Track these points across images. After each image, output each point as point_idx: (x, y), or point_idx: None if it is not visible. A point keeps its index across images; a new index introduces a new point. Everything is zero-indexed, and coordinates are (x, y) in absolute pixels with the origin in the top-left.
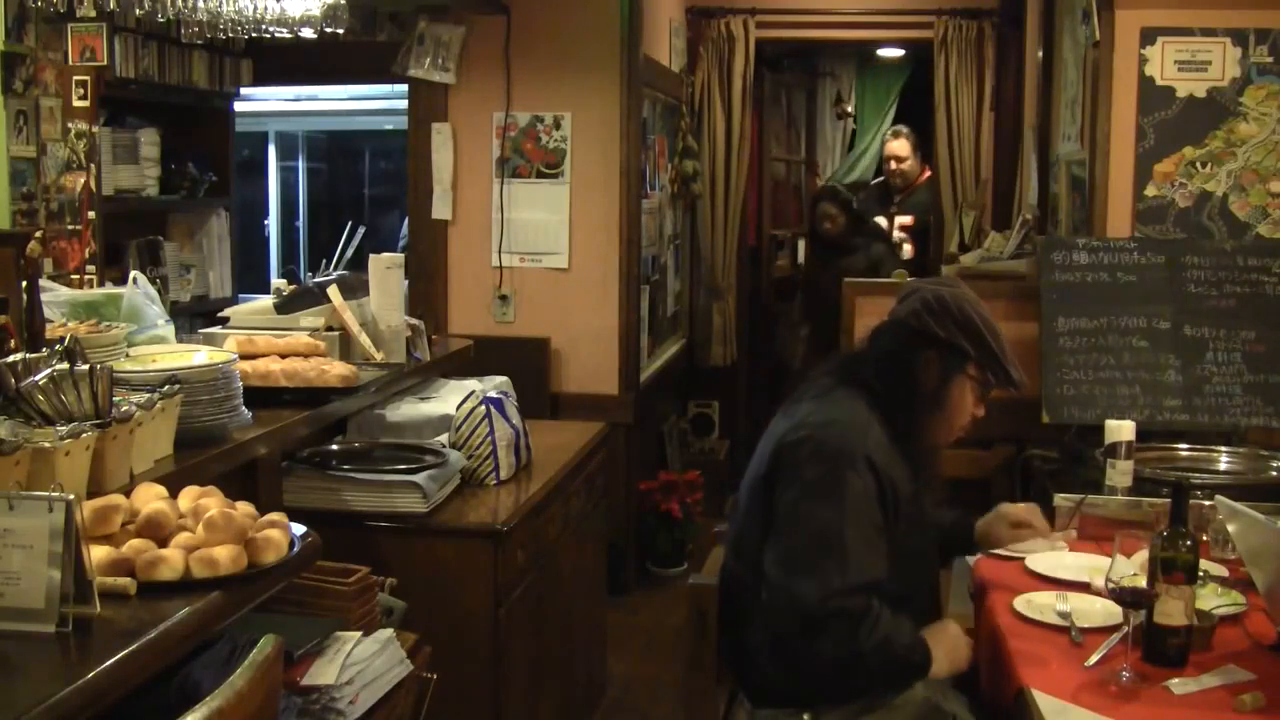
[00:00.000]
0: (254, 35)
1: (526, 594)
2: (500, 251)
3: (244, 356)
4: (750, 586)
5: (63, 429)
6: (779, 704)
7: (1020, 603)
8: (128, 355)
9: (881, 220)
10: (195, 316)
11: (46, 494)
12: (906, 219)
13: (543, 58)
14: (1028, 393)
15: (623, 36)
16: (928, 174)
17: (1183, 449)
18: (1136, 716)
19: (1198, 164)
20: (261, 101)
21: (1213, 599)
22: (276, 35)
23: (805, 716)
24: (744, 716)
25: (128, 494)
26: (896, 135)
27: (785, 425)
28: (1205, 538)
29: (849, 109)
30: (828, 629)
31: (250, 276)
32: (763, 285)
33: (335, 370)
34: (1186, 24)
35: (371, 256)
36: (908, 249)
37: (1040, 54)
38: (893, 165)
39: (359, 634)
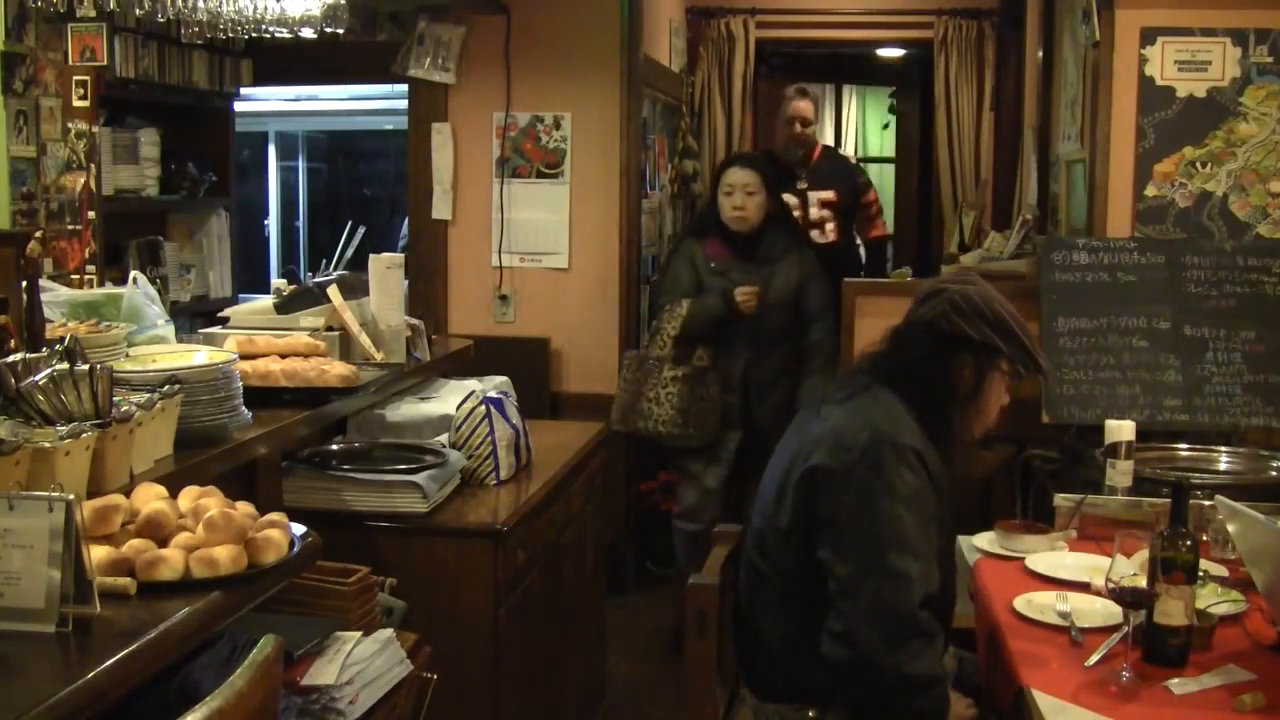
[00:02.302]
0: (254, 35)
1: (526, 594)
2: (500, 251)
3: (244, 356)
4: (771, 582)
5: (63, 429)
6: (786, 699)
7: (1020, 603)
8: (128, 355)
9: (789, 199)
10: (195, 316)
11: (46, 494)
12: (827, 194)
13: (543, 58)
14: (1028, 393)
15: (623, 36)
16: (820, 143)
17: (1183, 449)
18: (1136, 716)
19: (1198, 164)
20: (261, 101)
21: (1213, 599)
22: (276, 35)
23: (810, 713)
24: (748, 712)
25: (128, 494)
26: (803, 94)
27: (820, 428)
28: (1205, 538)
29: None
30: (911, 643)
31: (250, 276)
32: None
33: (335, 370)
34: (1186, 24)
35: (371, 256)
36: (830, 228)
37: (1040, 54)
38: (798, 129)
39: (359, 634)
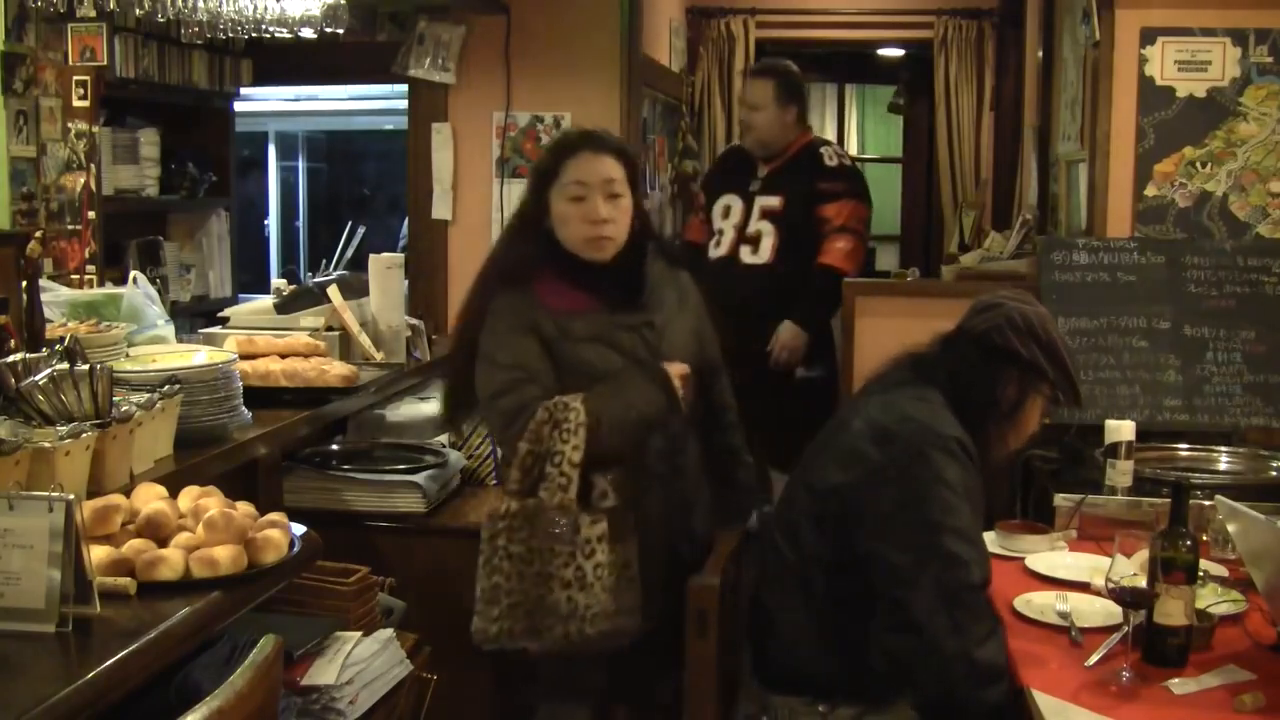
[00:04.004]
0: (254, 35)
1: None
2: None
3: (244, 356)
4: (796, 570)
5: (63, 429)
6: (795, 691)
7: (1020, 603)
8: (128, 355)
9: (734, 203)
10: (195, 316)
11: (46, 494)
12: (772, 200)
13: (543, 58)
14: None
15: (623, 36)
16: (809, 138)
17: (1183, 449)
18: (1136, 716)
19: (1198, 164)
20: (261, 101)
21: (1213, 599)
22: (276, 35)
23: (820, 708)
24: (754, 705)
25: (128, 494)
26: (759, 74)
27: (859, 420)
28: (1205, 538)
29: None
30: (977, 626)
31: (250, 276)
32: None
33: (335, 370)
34: (1186, 24)
35: (371, 256)
36: (767, 245)
37: (1040, 54)
38: (744, 115)
39: (359, 634)
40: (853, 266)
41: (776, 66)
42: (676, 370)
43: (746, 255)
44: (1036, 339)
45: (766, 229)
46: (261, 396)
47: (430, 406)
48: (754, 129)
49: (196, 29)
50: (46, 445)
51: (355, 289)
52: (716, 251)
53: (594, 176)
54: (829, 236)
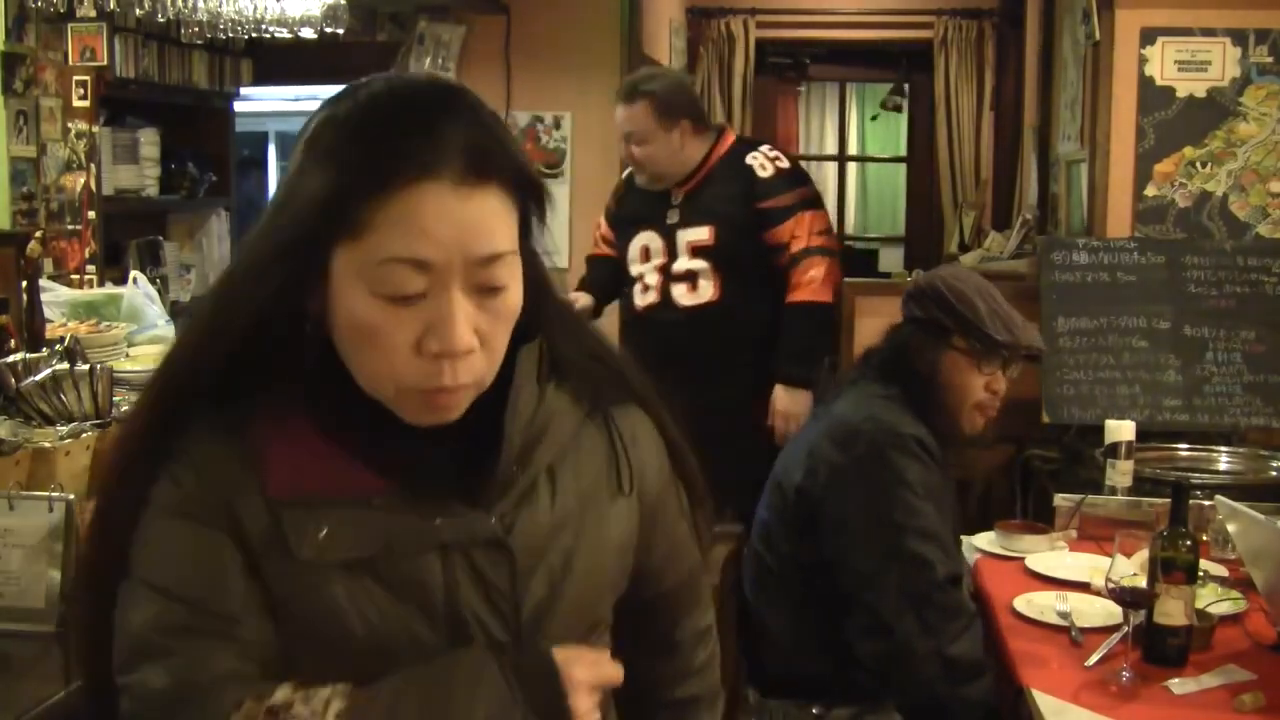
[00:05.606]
0: (254, 35)
1: None
2: None
3: None
4: (777, 575)
5: (63, 429)
6: (789, 695)
7: (1020, 603)
8: (128, 355)
9: (652, 241)
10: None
11: (46, 494)
12: (699, 233)
13: (543, 58)
14: (1028, 392)
15: (623, 36)
16: (727, 144)
17: (1183, 449)
18: (1136, 716)
19: (1198, 164)
20: (261, 101)
21: (1212, 599)
22: (276, 35)
23: (814, 710)
24: (750, 710)
25: None
26: (627, 98)
27: (824, 422)
28: (1205, 538)
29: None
30: (949, 624)
31: None
32: None
33: None
34: (1186, 24)
35: None
36: (707, 285)
37: (1040, 54)
38: (630, 148)
39: None
40: (833, 292)
41: (641, 82)
42: (584, 676)
43: (683, 296)
44: (929, 297)
45: (700, 267)
46: None
47: None
48: (644, 166)
49: (196, 29)
50: (46, 445)
51: None
52: (645, 299)
53: (453, 246)
54: (794, 267)
